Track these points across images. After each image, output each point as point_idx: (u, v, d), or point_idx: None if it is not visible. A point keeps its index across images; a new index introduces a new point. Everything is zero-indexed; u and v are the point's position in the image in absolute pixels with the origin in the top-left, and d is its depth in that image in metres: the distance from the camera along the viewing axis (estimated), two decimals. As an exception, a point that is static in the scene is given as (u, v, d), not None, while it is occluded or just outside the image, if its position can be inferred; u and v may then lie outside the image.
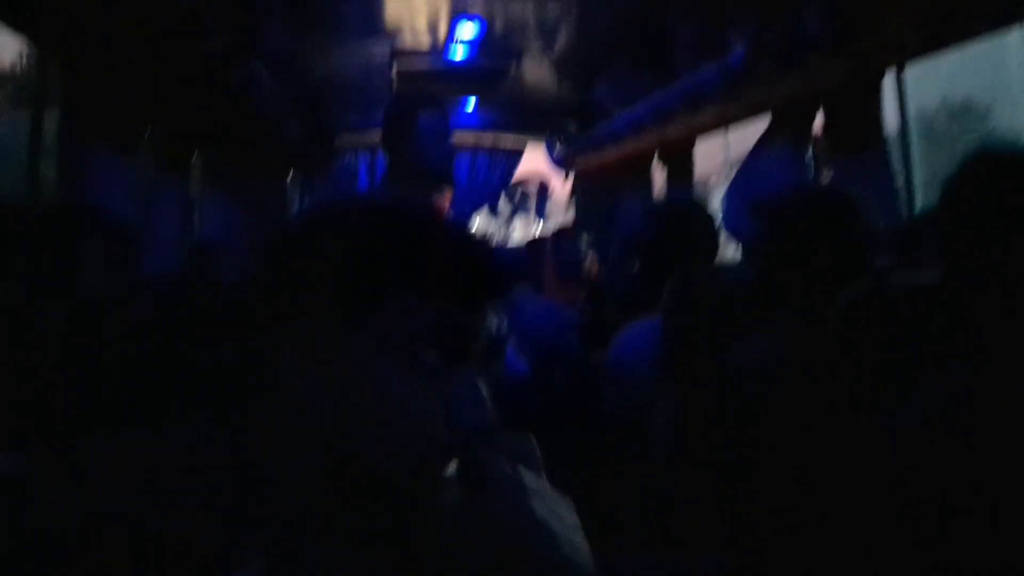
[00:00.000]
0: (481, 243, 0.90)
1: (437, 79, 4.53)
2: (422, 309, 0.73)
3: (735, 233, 2.87)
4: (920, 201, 2.61)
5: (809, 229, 1.48)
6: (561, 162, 5.60)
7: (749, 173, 3.28)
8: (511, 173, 6.41)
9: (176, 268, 3.22)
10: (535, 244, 4.15)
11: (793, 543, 1.26)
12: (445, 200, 2.19)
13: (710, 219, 2.08)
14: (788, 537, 1.27)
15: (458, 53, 4.19)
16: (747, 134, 3.82)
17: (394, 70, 4.39)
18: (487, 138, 5.88)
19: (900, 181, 2.63)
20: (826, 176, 2.91)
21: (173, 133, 3.40)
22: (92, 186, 2.33)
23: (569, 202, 6.21)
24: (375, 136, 5.30)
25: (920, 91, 2.75)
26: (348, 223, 0.79)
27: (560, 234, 3.41)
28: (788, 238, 1.50)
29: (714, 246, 2.06)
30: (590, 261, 3.25)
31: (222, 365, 1.01)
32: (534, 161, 6.64)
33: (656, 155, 4.71)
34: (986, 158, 1.04)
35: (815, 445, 1.22)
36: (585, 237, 3.33)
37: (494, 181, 6.35)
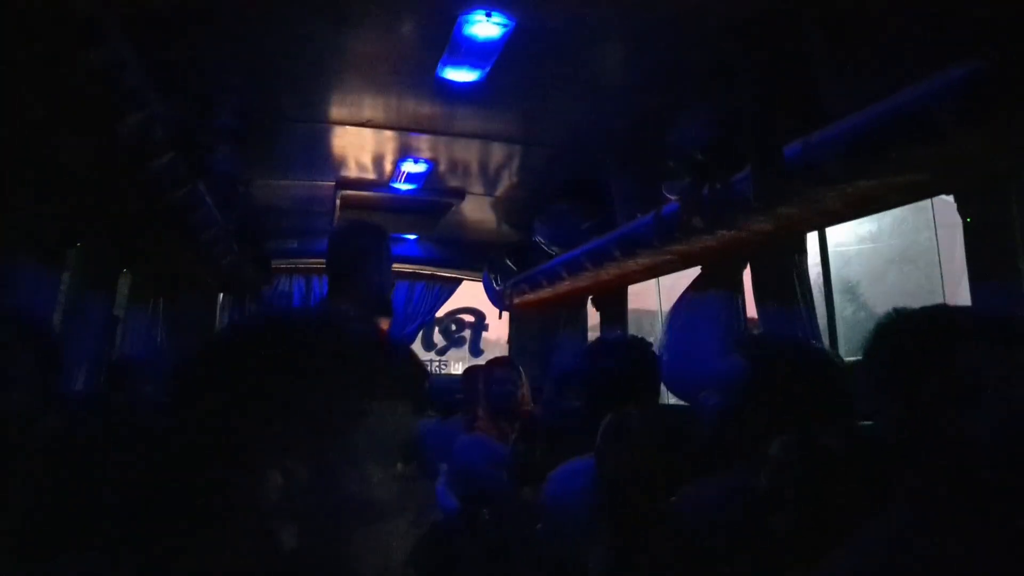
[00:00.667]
0: (417, 361, 0.90)
1: (380, 211, 4.62)
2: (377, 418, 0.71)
3: (669, 381, 2.92)
4: (843, 352, 2.73)
5: (788, 373, 1.50)
6: (497, 298, 5.68)
7: (681, 322, 3.39)
8: (444, 300, 6.48)
9: (96, 384, 3.07)
10: (471, 372, 4.12)
11: None
12: (383, 326, 2.21)
13: (651, 360, 2.11)
14: None
15: (402, 188, 4.30)
16: (678, 282, 3.98)
17: (337, 201, 4.46)
18: (426, 271, 5.96)
19: (823, 333, 2.76)
20: (754, 326, 3.02)
21: (104, 249, 3.33)
22: (15, 296, 2.23)
23: (505, 338, 6.26)
24: (311, 263, 5.36)
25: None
26: (291, 331, 0.77)
27: (495, 364, 3.39)
28: (766, 377, 1.51)
29: (655, 387, 2.08)
30: (523, 394, 3.23)
31: (143, 485, 0.94)
32: (470, 296, 6.73)
33: (591, 297, 4.83)
34: (899, 321, 1.13)
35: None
36: (519, 370, 3.33)
37: (428, 308, 6.39)
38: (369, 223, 2.36)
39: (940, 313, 1.13)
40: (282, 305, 5.38)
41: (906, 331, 1.11)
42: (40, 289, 2.50)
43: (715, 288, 3.23)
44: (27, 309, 2.21)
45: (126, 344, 3.91)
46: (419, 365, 0.90)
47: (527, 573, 2.12)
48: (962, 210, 2.12)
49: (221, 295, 5.26)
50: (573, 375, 3.67)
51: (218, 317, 5.25)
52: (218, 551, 0.66)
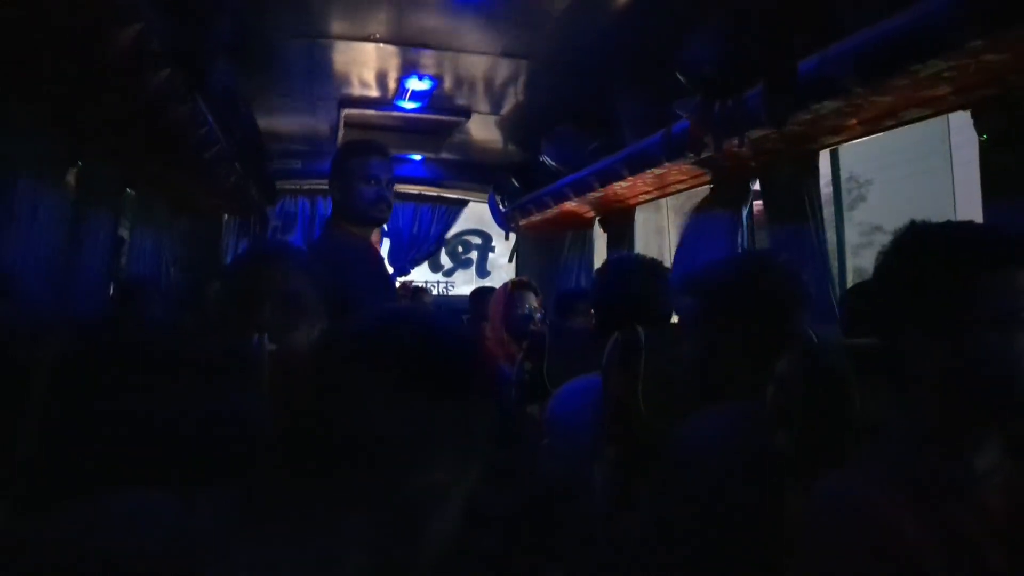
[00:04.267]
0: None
1: (385, 130, 4.55)
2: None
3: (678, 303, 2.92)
4: (851, 271, 2.72)
5: (745, 298, 1.49)
6: (503, 220, 5.65)
7: (691, 241, 3.37)
8: (452, 223, 6.47)
9: (103, 306, 3.09)
10: (479, 293, 4.14)
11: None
12: (375, 239, 2.32)
13: (663, 281, 2.09)
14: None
15: (407, 107, 4.22)
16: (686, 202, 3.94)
17: (341, 120, 4.39)
18: (431, 191, 5.91)
19: (832, 252, 2.74)
20: (762, 244, 3.00)
21: (106, 169, 3.30)
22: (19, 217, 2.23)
23: (511, 257, 6.26)
24: (315, 183, 5.32)
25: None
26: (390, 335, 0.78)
27: (515, 286, 3.38)
28: (724, 307, 1.51)
29: (666, 308, 2.06)
30: (536, 317, 3.24)
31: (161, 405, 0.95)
32: (477, 217, 6.69)
33: (598, 218, 4.81)
34: (915, 233, 1.09)
35: (759, 517, 1.22)
36: (537, 292, 3.32)
37: (435, 232, 6.38)
38: (368, 141, 2.36)
39: (955, 230, 1.07)
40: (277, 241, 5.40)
41: (923, 246, 1.06)
42: (44, 210, 2.49)
43: (724, 207, 3.20)
44: (31, 227, 2.21)
45: (132, 265, 3.93)
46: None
47: (533, 488, 2.17)
48: (979, 126, 2.07)
49: (226, 216, 5.26)
50: (581, 294, 3.68)
51: (223, 238, 5.26)
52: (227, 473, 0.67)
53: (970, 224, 1.11)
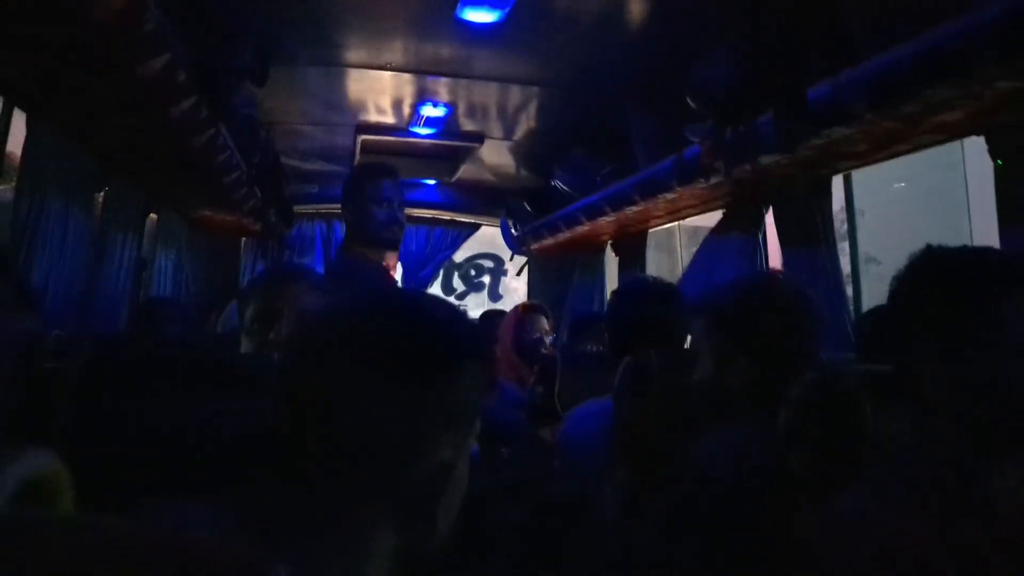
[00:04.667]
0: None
1: (400, 156, 4.61)
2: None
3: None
4: (866, 296, 2.72)
5: (756, 320, 1.50)
6: (516, 243, 5.68)
7: (703, 265, 3.38)
8: (461, 243, 6.46)
9: (125, 324, 3.15)
10: (489, 315, 4.14)
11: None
12: (392, 262, 2.32)
13: (678, 305, 2.09)
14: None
15: (422, 133, 4.28)
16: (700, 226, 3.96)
17: (357, 145, 4.46)
18: (445, 215, 5.96)
19: (846, 277, 2.75)
20: (775, 269, 3.00)
21: (131, 193, 3.37)
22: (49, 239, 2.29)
23: (519, 272, 6.28)
24: (332, 207, 5.37)
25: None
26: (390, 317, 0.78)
27: (526, 309, 3.39)
28: (734, 330, 1.51)
29: (680, 332, 2.06)
30: (547, 340, 3.25)
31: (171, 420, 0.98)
32: (490, 242, 6.73)
33: (610, 242, 4.83)
34: (932, 258, 1.09)
35: (770, 539, 1.22)
36: (549, 316, 3.33)
37: (446, 251, 6.38)
38: (378, 164, 2.40)
39: (974, 255, 1.07)
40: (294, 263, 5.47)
41: (938, 270, 1.06)
42: (71, 233, 2.55)
43: (735, 231, 3.21)
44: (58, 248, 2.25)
45: (153, 286, 3.99)
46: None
47: (544, 509, 2.17)
48: (993, 151, 2.07)
49: (244, 239, 5.32)
50: (595, 318, 3.68)
51: (241, 260, 5.32)
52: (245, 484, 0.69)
53: (985, 249, 1.12)
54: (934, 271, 1.07)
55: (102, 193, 3.04)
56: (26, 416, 1.00)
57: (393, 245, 2.37)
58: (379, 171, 2.32)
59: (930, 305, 1.05)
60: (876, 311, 1.94)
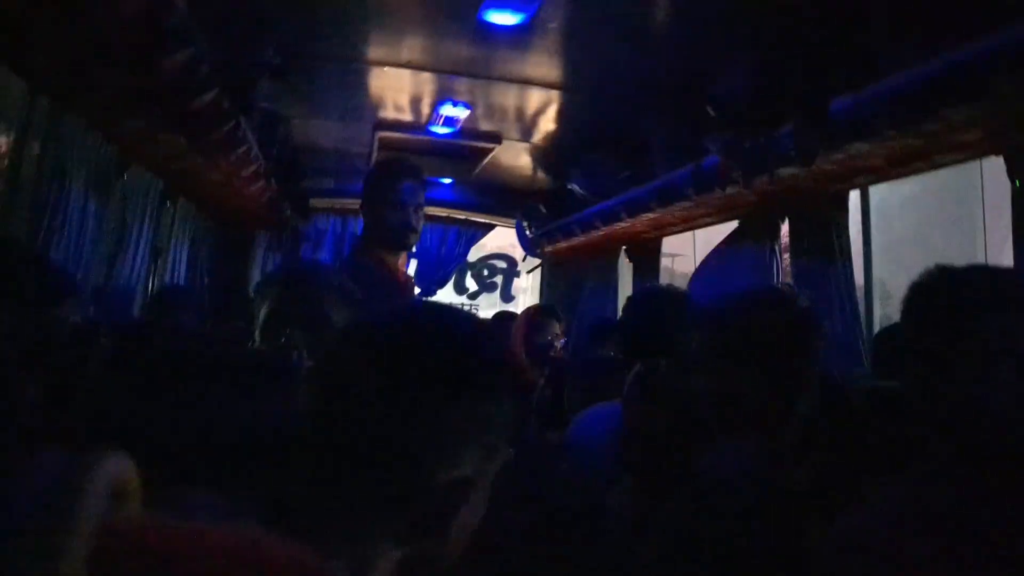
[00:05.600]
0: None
1: (418, 154, 4.62)
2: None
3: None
4: (878, 314, 2.70)
5: (763, 333, 1.49)
6: (530, 245, 5.69)
7: (713, 272, 3.37)
8: (475, 242, 6.47)
9: (140, 312, 3.18)
10: (501, 317, 4.15)
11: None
12: (403, 261, 2.30)
13: (689, 312, 2.08)
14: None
15: (440, 132, 4.29)
16: (713, 236, 3.95)
17: (375, 142, 4.47)
18: (460, 215, 5.98)
19: (860, 293, 2.73)
20: (789, 282, 2.99)
21: (149, 182, 3.40)
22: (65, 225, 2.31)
23: (531, 270, 6.29)
24: (347, 203, 5.40)
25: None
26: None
27: (537, 312, 3.38)
28: (742, 342, 1.50)
29: (689, 340, 2.06)
30: (558, 344, 3.24)
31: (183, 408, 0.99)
32: (504, 242, 6.75)
33: (624, 248, 4.83)
34: (938, 275, 1.09)
35: (774, 552, 1.22)
36: (560, 318, 3.32)
37: (460, 251, 6.40)
38: (400, 163, 2.34)
39: (978, 274, 1.07)
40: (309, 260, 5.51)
41: (941, 290, 1.06)
42: (89, 219, 2.58)
43: (750, 241, 3.20)
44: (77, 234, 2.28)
45: (168, 274, 4.02)
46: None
47: (550, 510, 2.17)
48: (1012, 172, 2.07)
49: (259, 231, 5.36)
50: (607, 324, 3.67)
51: (256, 252, 5.36)
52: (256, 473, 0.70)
53: (992, 267, 1.12)
54: (937, 289, 1.07)
55: (120, 182, 3.07)
56: (49, 404, 1.01)
57: (407, 249, 2.32)
58: (401, 171, 2.23)
59: (935, 321, 1.05)
60: (891, 329, 1.94)
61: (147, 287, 3.55)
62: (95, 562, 0.46)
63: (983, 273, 1.08)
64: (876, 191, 2.76)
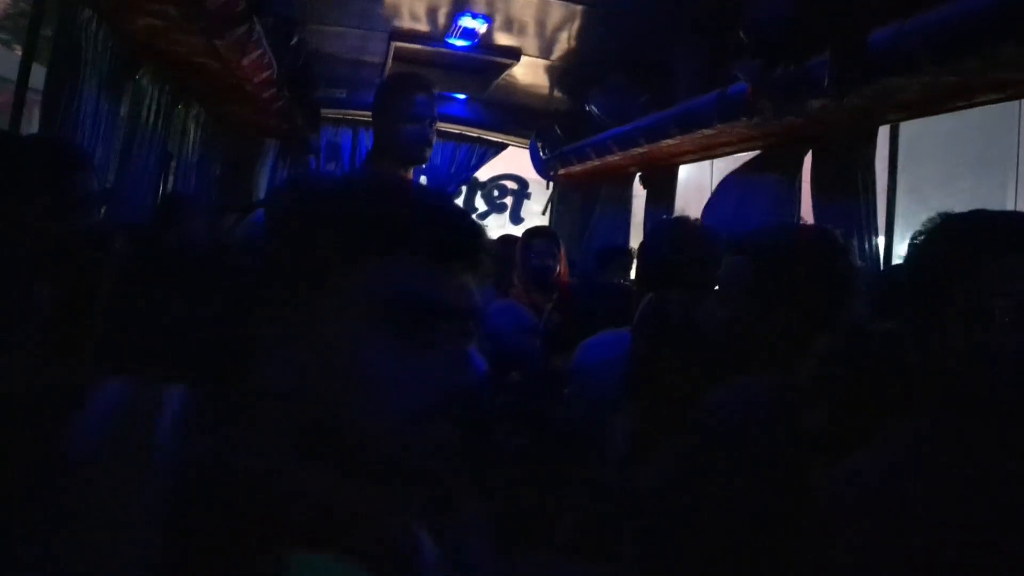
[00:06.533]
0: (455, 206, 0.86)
1: (433, 67, 4.51)
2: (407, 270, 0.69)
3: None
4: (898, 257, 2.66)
5: (789, 268, 1.47)
6: (543, 167, 5.61)
7: (729, 199, 3.31)
8: (487, 161, 6.35)
9: (148, 217, 3.16)
10: (506, 240, 4.12)
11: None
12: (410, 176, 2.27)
13: (711, 248, 2.05)
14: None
15: (457, 44, 4.17)
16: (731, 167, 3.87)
17: (390, 52, 4.35)
18: (472, 132, 5.87)
19: (883, 231, 2.69)
20: (809, 217, 2.94)
21: (161, 84, 3.33)
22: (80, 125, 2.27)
23: (546, 207, 6.23)
24: (359, 114, 5.31)
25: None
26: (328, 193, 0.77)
27: (534, 234, 3.33)
28: (777, 275, 1.48)
29: (710, 276, 2.04)
30: (560, 267, 3.20)
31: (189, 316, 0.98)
32: (516, 163, 6.65)
33: (639, 174, 4.75)
34: (938, 225, 1.07)
35: (777, 492, 1.23)
36: (559, 242, 3.28)
37: (471, 167, 6.29)
38: (413, 76, 2.29)
39: (981, 220, 1.04)
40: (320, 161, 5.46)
41: (941, 237, 1.04)
42: (101, 118, 2.53)
43: (771, 172, 3.13)
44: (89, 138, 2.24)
45: (177, 181, 3.99)
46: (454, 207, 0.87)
47: (553, 435, 2.21)
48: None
49: (269, 139, 5.28)
50: (618, 250, 3.65)
51: (266, 161, 5.29)
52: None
53: (998, 212, 1.07)
54: (942, 233, 1.05)
55: (131, 83, 3.00)
56: (66, 307, 1.01)
57: (421, 163, 2.29)
58: (414, 84, 2.19)
59: (937, 266, 1.03)
60: (893, 270, 1.91)
61: (157, 191, 3.52)
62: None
63: (987, 217, 1.05)
64: (906, 128, 2.68)
